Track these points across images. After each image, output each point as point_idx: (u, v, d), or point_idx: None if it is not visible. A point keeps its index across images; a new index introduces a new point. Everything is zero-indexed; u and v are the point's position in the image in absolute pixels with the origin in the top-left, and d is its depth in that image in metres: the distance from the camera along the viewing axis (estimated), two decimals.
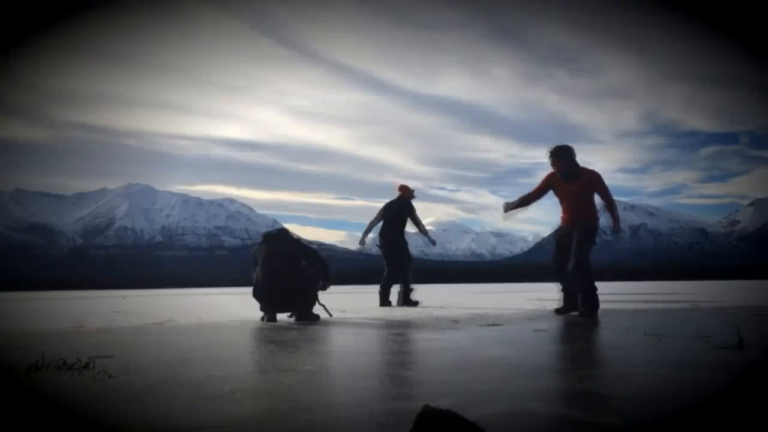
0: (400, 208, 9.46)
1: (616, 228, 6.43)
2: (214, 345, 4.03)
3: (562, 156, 6.40)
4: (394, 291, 9.42)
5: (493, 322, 5.41)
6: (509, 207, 6.60)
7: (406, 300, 9.15)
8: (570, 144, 6.45)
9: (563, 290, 6.53)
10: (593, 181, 6.40)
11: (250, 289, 6.29)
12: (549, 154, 6.42)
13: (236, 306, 10.46)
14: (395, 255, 9.40)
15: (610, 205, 6.40)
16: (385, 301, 9.30)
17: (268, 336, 4.53)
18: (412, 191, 9.66)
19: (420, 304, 9.05)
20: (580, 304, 6.26)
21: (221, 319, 6.67)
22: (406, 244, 9.56)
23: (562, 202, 6.52)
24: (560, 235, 6.50)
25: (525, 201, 6.60)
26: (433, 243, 9.90)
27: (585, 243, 6.26)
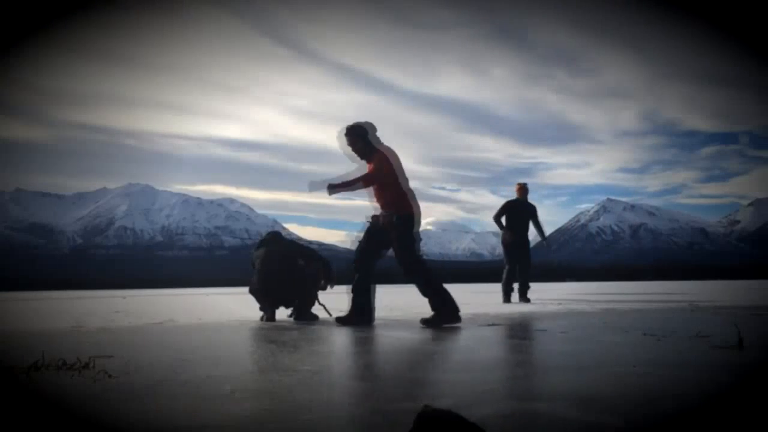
0: (525, 208, 10.14)
1: (331, 186, 5.31)
2: (214, 345, 4.03)
3: (353, 135, 5.53)
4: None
5: (493, 322, 5.41)
6: (332, 189, 5.36)
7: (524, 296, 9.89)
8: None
9: (352, 292, 5.51)
10: (374, 162, 5.42)
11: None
12: (344, 133, 5.59)
13: (236, 306, 10.47)
14: (524, 253, 10.05)
15: (357, 179, 5.39)
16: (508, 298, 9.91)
17: (268, 336, 4.53)
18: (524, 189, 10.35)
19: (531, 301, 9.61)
20: (431, 309, 5.26)
21: (221, 319, 6.67)
22: (529, 243, 10.21)
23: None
24: (371, 225, 5.54)
25: (348, 185, 5.43)
26: (549, 245, 10.86)
27: (402, 242, 5.32)
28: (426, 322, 5.13)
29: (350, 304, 5.48)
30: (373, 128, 5.60)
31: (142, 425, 1.72)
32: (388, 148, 5.59)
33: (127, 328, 5.58)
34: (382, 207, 5.48)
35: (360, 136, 5.55)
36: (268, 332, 4.87)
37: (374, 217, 5.52)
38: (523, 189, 10.20)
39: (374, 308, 5.59)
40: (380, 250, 5.54)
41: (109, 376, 2.59)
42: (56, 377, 2.59)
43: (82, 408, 2.00)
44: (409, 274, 5.32)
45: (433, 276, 5.36)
